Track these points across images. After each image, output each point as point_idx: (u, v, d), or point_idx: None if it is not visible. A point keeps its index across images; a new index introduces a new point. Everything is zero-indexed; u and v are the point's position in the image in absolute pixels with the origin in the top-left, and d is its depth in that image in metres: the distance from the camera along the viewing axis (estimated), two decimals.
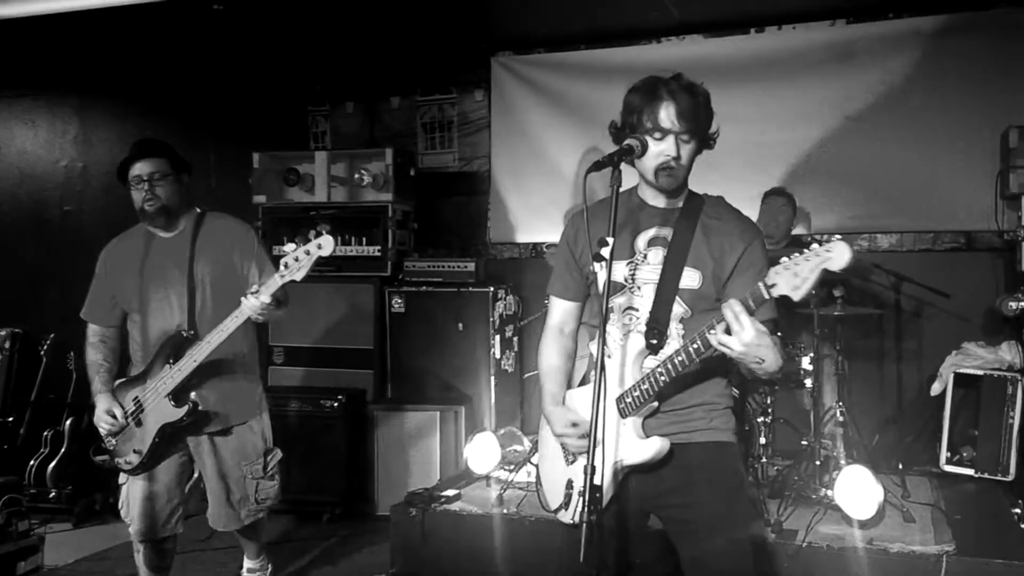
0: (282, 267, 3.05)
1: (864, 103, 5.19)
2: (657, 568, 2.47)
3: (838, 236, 1.93)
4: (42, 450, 5.21)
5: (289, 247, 3.07)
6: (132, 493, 3.34)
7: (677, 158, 2.25)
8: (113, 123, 6.54)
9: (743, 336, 2.01)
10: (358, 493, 5.13)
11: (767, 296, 2.00)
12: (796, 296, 1.95)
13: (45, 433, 5.26)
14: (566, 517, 2.37)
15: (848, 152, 5.21)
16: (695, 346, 2.14)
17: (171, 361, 3.21)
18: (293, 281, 3.06)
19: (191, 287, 3.29)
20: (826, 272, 1.92)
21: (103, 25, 5.03)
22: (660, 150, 2.25)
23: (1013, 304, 4.40)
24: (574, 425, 2.33)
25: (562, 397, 2.47)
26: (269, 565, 3.81)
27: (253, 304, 3.07)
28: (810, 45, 5.31)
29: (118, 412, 3.28)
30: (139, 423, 3.27)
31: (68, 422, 5.23)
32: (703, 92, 2.30)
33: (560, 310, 2.53)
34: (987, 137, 4.88)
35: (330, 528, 4.97)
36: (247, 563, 3.75)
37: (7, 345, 5.81)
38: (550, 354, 2.52)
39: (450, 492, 4.29)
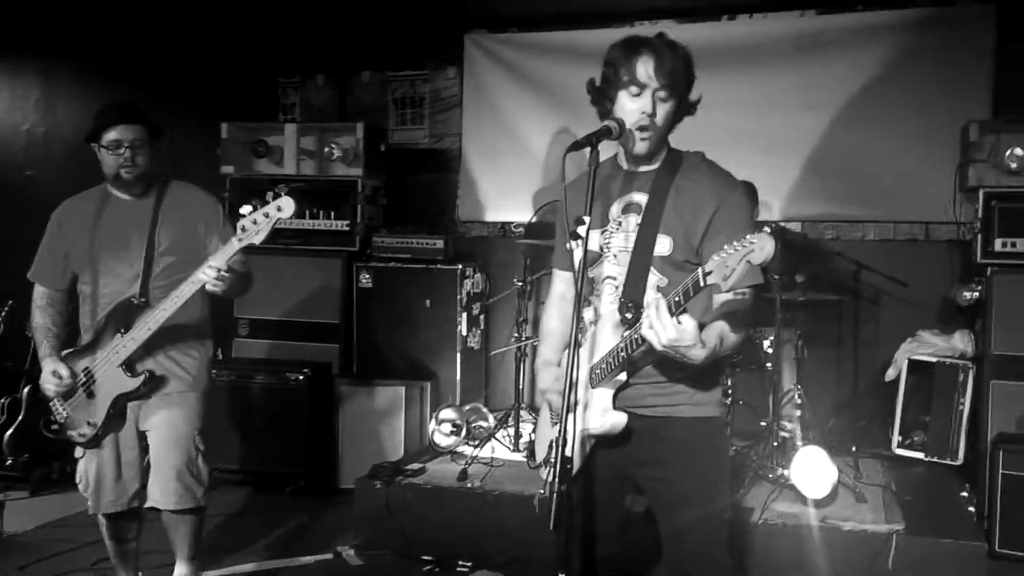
0: (239, 230, 2.87)
1: (831, 94, 5.26)
2: (643, 540, 2.49)
3: (767, 229, 1.85)
4: None
5: (246, 209, 2.87)
6: (90, 467, 3.23)
7: (653, 115, 2.19)
8: (77, 88, 6.40)
9: (661, 336, 1.99)
10: (322, 467, 5.12)
11: (703, 284, 1.92)
12: (725, 287, 1.89)
13: (2, 401, 5.17)
14: (544, 474, 2.42)
15: (814, 142, 5.28)
16: (636, 335, 2.10)
17: (122, 331, 3.09)
18: (252, 245, 2.88)
19: (149, 254, 3.16)
20: (749, 264, 1.85)
21: None
22: (636, 107, 2.19)
23: (967, 294, 4.53)
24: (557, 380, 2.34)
25: (556, 360, 2.50)
26: (201, 574, 3.47)
27: (208, 270, 2.91)
28: (780, 34, 5.37)
29: (64, 372, 3.13)
30: (91, 395, 3.15)
31: (26, 390, 5.14)
32: (684, 52, 2.22)
33: (561, 280, 2.57)
34: (948, 131, 4.96)
35: (293, 501, 4.96)
36: (178, 569, 3.35)
37: None
38: (550, 318, 2.58)
39: (415, 466, 4.33)
